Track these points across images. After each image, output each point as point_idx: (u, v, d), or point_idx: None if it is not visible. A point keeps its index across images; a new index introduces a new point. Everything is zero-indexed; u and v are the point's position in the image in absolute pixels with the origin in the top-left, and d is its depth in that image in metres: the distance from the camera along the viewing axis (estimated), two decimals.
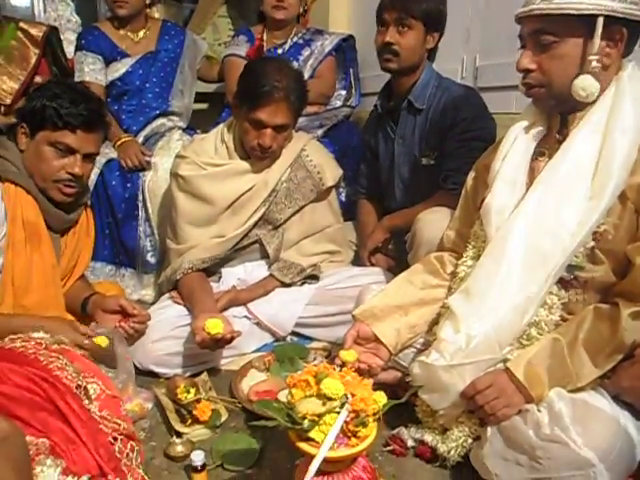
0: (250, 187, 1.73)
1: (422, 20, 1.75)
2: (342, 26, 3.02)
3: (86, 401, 1.02)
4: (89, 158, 1.47)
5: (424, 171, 1.85)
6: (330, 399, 0.90)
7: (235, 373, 1.55)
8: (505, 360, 1.11)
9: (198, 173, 1.73)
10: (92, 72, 2.29)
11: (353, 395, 0.91)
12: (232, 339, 1.46)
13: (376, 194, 2.10)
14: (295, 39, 2.49)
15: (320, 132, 2.42)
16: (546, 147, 1.19)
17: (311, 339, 1.79)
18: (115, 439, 0.99)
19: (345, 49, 2.59)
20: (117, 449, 0.99)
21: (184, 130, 2.42)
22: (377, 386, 1.00)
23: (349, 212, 2.16)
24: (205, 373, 1.54)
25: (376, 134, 2.02)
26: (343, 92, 2.62)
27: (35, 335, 1.13)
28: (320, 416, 0.89)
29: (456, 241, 1.36)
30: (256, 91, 1.59)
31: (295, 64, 2.38)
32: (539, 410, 1.04)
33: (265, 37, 2.47)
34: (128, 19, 2.33)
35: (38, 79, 2.16)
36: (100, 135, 1.49)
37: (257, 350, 1.72)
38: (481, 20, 2.20)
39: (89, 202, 1.67)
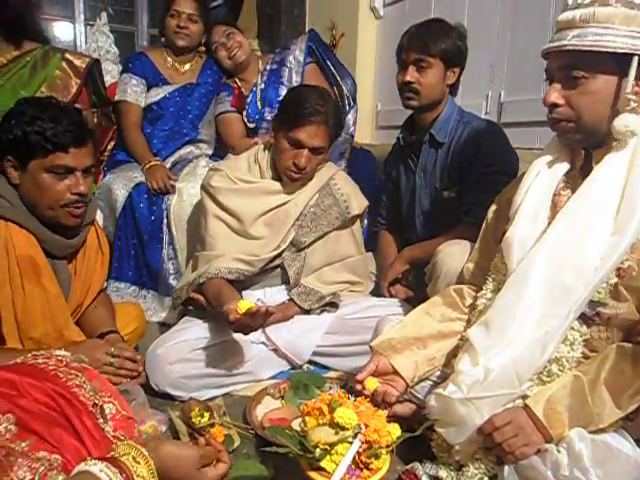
0: (276, 206, 1.76)
1: (441, 58, 1.77)
2: (369, 62, 3.10)
3: (101, 420, 1.02)
4: (88, 172, 1.42)
5: (445, 204, 1.86)
6: (343, 428, 0.89)
7: (250, 399, 1.54)
8: (525, 396, 1.09)
9: (229, 186, 1.77)
10: (134, 93, 2.41)
11: (367, 425, 0.90)
12: (267, 313, 1.43)
13: (397, 226, 2.10)
14: (268, 67, 2.50)
15: (343, 164, 2.45)
16: (569, 182, 1.18)
17: (327, 368, 1.78)
18: None
19: (314, 48, 2.54)
20: None
21: (210, 157, 2.48)
22: (392, 418, 0.99)
23: (369, 243, 2.16)
24: (220, 398, 1.54)
25: (397, 167, 2.03)
26: (334, 88, 2.56)
27: (57, 352, 1.15)
28: (332, 445, 0.88)
29: (476, 274, 1.35)
30: (298, 111, 1.66)
31: (284, 88, 2.40)
32: (558, 450, 1.00)
33: (240, 84, 2.48)
34: (182, 50, 2.45)
35: (77, 106, 2.25)
36: (91, 146, 1.42)
37: (273, 377, 1.72)
38: (507, 56, 2.24)
39: (98, 219, 1.63)
